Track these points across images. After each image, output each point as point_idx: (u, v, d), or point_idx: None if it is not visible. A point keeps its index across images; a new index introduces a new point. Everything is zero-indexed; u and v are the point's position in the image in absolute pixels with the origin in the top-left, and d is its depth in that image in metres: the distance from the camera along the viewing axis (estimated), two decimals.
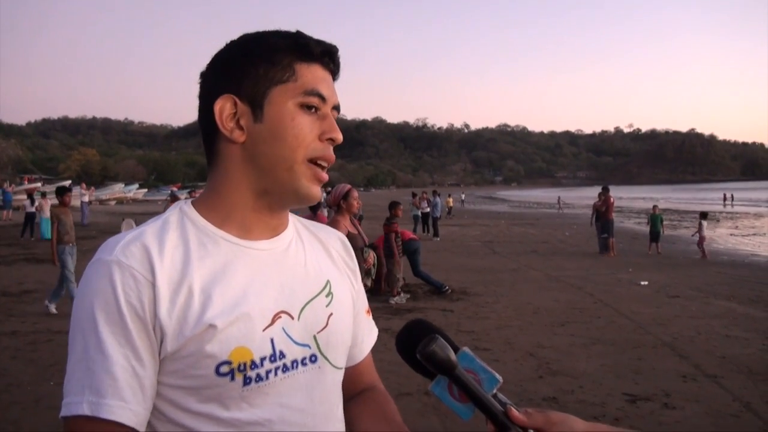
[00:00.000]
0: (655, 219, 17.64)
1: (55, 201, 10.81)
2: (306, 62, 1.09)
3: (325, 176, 1.11)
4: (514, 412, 0.93)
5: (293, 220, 1.24)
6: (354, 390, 1.29)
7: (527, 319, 8.61)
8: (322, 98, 1.09)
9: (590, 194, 69.97)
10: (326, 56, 1.12)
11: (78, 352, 0.97)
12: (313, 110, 1.09)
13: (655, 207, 18.83)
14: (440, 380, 0.97)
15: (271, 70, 1.07)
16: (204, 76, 1.13)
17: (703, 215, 17.64)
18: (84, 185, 34.15)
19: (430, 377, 0.99)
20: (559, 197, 59.56)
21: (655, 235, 17.47)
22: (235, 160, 1.10)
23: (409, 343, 1.01)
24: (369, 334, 1.35)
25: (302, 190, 1.09)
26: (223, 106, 1.08)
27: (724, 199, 59.33)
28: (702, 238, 16.94)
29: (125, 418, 0.95)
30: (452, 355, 0.95)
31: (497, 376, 0.95)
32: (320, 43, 1.11)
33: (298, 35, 1.11)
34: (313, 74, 1.09)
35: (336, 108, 1.13)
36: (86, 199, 30.49)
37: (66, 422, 0.96)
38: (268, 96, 1.07)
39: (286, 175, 1.08)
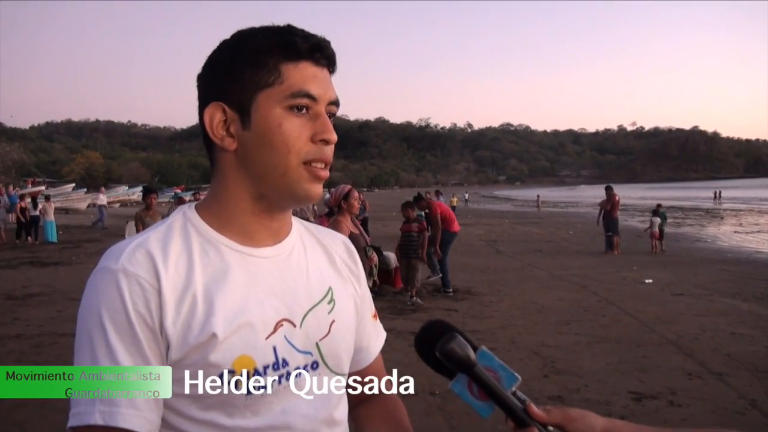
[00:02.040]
0: (661, 216, 17.65)
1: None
2: (293, 61, 1.04)
3: (323, 173, 1.08)
4: (534, 408, 0.94)
5: (297, 225, 1.23)
6: (363, 394, 1.28)
7: (532, 318, 8.61)
8: (312, 98, 1.05)
9: (592, 193, 70.13)
10: (316, 51, 1.06)
11: (86, 361, 0.96)
12: (304, 111, 1.05)
13: (659, 206, 18.82)
14: (460, 378, 0.98)
15: (256, 74, 1.04)
16: (198, 79, 1.11)
17: (654, 212, 17.81)
18: (103, 189, 34.62)
19: (449, 376, 1.00)
20: (538, 195, 59.88)
21: (659, 233, 17.46)
22: (230, 167, 1.09)
23: (428, 342, 1.01)
24: (376, 338, 1.33)
25: (300, 192, 1.07)
26: (213, 115, 1.06)
27: (714, 197, 59.61)
28: (654, 233, 17.21)
29: (139, 426, 0.95)
30: (471, 353, 0.96)
31: (516, 374, 0.96)
32: (308, 38, 1.06)
33: (285, 31, 1.06)
34: (301, 74, 1.04)
35: (334, 103, 1.09)
36: (104, 202, 30.82)
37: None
38: (255, 102, 1.04)
39: (281, 181, 1.05)
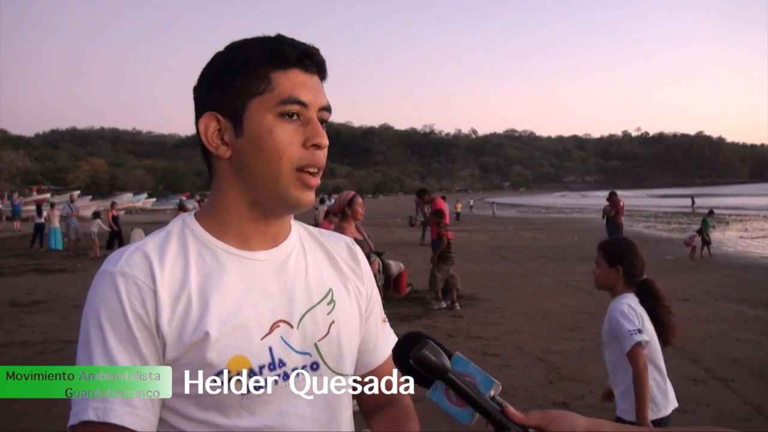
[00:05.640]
0: (703, 223, 17.91)
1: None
2: (282, 69, 1.07)
3: (314, 181, 1.09)
4: (512, 410, 0.94)
5: (298, 229, 1.24)
6: (375, 399, 1.27)
7: (536, 325, 8.60)
8: (303, 104, 1.07)
9: (594, 202, 70.19)
10: (305, 59, 1.09)
11: (83, 359, 0.99)
12: (295, 117, 1.07)
13: (710, 212, 19.28)
14: (437, 386, 0.98)
15: (247, 83, 1.07)
16: (194, 91, 1.14)
17: (710, 213, 18.10)
18: (198, 197, 36.30)
19: (428, 386, 1.00)
20: (493, 202, 61.36)
21: (704, 240, 17.55)
22: (226, 174, 1.11)
23: (404, 352, 1.02)
24: (385, 341, 1.31)
25: (290, 199, 1.09)
26: (207, 124, 1.09)
27: (692, 203, 60.33)
28: (704, 239, 17.39)
29: (133, 423, 0.97)
30: (444, 359, 0.97)
31: (493, 378, 0.96)
32: (296, 47, 1.09)
33: (275, 41, 1.09)
34: (290, 81, 1.07)
35: (325, 109, 1.11)
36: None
37: (74, 431, 0.97)
38: (247, 110, 1.07)
39: (273, 187, 1.07)
